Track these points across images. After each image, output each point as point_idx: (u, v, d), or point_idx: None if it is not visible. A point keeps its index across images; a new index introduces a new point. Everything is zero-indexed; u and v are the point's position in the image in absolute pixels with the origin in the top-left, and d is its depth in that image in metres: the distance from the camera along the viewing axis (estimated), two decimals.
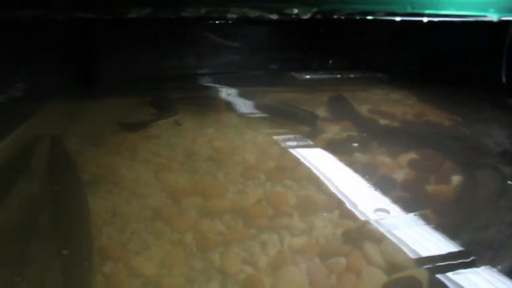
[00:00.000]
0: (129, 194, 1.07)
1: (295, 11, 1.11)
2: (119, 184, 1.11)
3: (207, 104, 1.89)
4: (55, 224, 0.93)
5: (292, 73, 2.46)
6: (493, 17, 1.47)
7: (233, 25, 2.17)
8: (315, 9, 1.08)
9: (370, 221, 0.98)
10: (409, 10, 1.26)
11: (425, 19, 1.39)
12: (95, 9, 1.02)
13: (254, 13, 1.12)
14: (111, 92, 1.96)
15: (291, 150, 1.35)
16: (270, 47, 2.81)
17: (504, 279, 0.81)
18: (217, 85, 2.30)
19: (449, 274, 0.82)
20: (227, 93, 2.13)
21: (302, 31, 2.64)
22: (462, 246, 0.89)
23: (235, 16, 1.12)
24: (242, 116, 1.71)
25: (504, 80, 2.22)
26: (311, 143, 1.41)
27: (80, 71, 2.05)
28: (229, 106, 1.87)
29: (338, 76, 2.45)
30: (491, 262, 0.85)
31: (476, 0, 1.43)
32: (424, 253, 0.88)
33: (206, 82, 2.39)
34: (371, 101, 2.04)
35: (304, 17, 1.15)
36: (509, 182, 1.02)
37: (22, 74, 1.72)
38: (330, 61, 2.81)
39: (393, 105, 1.97)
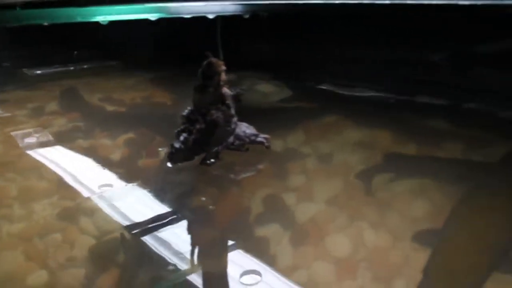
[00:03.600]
0: None
1: None
2: None
3: None
4: None
5: (24, 69, 2.44)
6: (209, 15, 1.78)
7: None
8: None
9: (87, 198, 1.11)
10: None
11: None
12: None
13: None
14: None
15: (17, 145, 1.41)
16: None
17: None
18: None
19: (153, 232, 1.00)
20: None
21: None
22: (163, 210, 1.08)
23: None
24: None
25: (222, 57, 2.55)
26: (39, 137, 1.48)
27: None
28: None
29: (72, 68, 2.50)
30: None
31: None
32: (131, 218, 1.04)
33: None
34: (105, 89, 2.15)
35: None
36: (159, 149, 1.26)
37: None
38: (75, 52, 2.84)
39: (126, 91, 2.11)
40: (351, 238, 0.97)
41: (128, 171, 1.25)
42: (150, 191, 1.15)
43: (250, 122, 1.28)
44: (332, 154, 1.32)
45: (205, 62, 1.09)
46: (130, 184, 1.18)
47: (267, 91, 1.92)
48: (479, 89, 1.60)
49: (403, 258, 0.91)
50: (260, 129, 1.27)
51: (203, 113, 1.14)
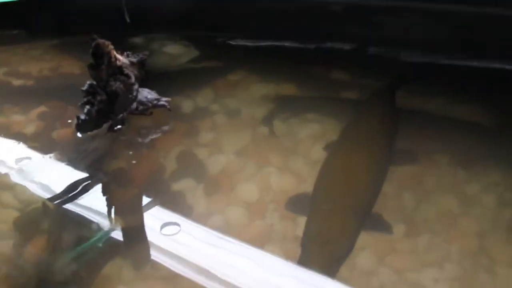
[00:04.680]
0: None
1: None
2: None
3: None
4: None
5: None
6: None
7: None
8: None
9: (5, 174, 1.14)
10: None
11: None
12: None
13: None
14: None
15: None
16: None
17: None
18: None
19: (74, 197, 1.05)
20: None
21: None
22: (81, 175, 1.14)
23: None
24: None
25: (128, 20, 2.51)
26: None
27: None
28: None
29: None
30: None
31: None
32: (52, 187, 1.09)
33: None
34: (9, 62, 2.08)
35: None
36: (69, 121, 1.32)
37: None
38: None
39: (32, 63, 2.05)
40: (259, 184, 1.08)
41: (43, 144, 1.28)
42: (67, 160, 1.20)
43: (158, 86, 1.34)
44: (240, 109, 1.40)
45: (93, 44, 1.18)
46: (47, 156, 1.22)
47: (176, 52, 1.94)
48: (381, 37, 1.70)
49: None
50: (169, 92, 1.33)
51: (103, 86, 1.23)
